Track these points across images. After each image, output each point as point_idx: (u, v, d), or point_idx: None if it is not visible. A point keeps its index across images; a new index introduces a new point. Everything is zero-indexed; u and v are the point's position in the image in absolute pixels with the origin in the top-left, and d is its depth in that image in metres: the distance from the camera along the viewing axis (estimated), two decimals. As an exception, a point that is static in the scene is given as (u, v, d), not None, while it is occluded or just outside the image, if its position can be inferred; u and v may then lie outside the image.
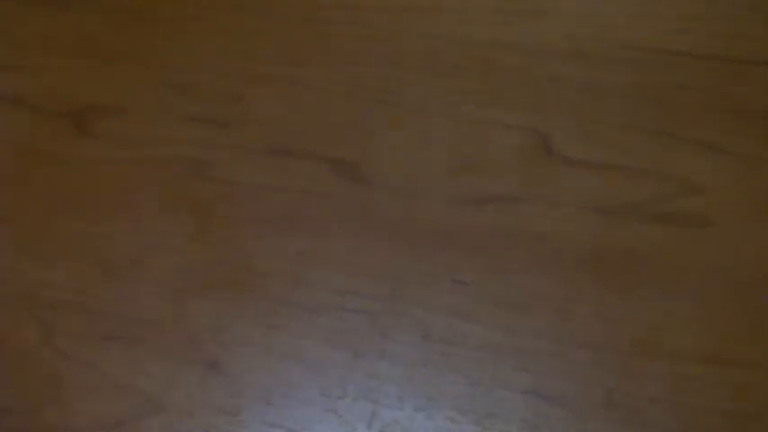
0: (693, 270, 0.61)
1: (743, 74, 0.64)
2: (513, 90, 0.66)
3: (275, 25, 0.70)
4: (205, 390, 0.64)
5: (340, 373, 0.64)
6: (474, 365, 0.62)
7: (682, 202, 0.62)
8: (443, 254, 0.64)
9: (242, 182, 0.68)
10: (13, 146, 0.71)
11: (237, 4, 0.71)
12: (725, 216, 0.62)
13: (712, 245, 0.61)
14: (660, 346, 0.60)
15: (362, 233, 0.66)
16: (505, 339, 0.62)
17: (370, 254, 0.65)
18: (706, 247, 0.61)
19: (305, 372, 0.64)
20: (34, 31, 0.73)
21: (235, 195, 0.68)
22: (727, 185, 0.62)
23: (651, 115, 0.64)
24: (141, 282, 0.68)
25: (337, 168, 0.67)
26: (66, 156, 0.71)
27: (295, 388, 0.64)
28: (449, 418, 0.62)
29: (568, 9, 0.67)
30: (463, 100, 0.66)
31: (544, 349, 0.62)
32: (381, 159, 0.67)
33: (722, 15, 0.65)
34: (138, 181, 0.70)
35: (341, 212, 0.66)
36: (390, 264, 0.65)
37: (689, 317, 0.60)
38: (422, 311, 0.64)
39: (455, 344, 0.63)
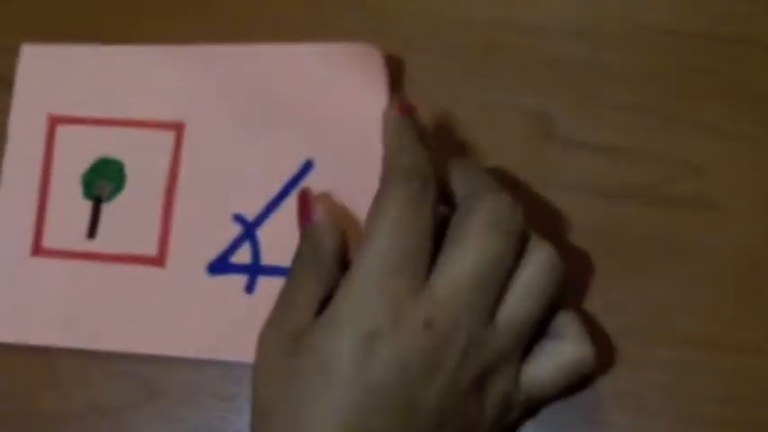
0: (695, 253, 0.61)
1: (746, 55, 0.63)
2: (514, 71, 0.65)
3: (270, 2, 0.68)
4: (202, 376, 0.64)
5: (339, 359, 0.63)
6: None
7: (684, 184, 0.62)
8: (443, 237, 0.64)
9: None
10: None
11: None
12: (728, 198, 0.61)
13: (714, 228, 0.61)
14: (662, 332, 0.60)
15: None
16: (506, 324, 0.62)
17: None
18: (708, 229, 0.61)
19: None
20: (17, 10, 0.71)
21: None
22: (730, 168, 0.62)
23: (654, 96, 0.63)
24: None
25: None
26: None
27: (293, 374, 0.63)
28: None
29: (571, -13, 0.65)
30: (463, 81, 0.65)
31: (545, 334, 0.61)
32: (380, 141, 0.66)
33: (727, -5, 0.64)
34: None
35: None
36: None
37: (691, 301, 0.60)
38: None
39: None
